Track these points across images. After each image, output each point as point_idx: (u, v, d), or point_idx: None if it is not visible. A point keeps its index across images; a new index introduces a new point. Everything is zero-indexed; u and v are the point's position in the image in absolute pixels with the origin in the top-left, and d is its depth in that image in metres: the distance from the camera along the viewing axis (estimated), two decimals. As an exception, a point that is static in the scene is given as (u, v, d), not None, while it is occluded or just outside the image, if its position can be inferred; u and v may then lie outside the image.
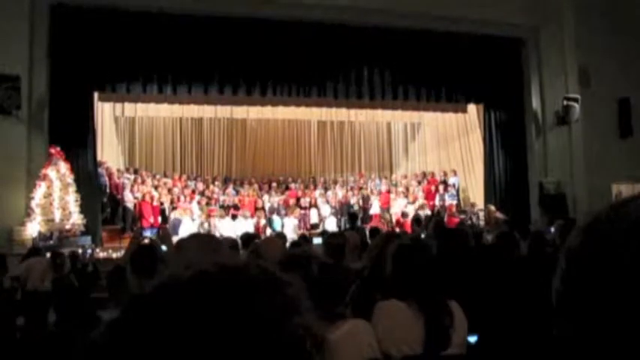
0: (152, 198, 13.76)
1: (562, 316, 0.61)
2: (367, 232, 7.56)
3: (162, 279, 0.58)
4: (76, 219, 10.02)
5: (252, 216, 13.94)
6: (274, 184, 16.37)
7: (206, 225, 13.06)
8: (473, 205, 14.40)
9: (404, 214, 12.74)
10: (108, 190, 13.16)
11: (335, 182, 17.41)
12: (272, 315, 0.54)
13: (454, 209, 14.35)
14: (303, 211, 15.02)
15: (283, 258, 2.28)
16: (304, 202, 15.34)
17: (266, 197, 15.30)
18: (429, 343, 2.20)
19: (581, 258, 0.61)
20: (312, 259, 2.18)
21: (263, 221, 13.85)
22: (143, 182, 14.43)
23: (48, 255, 7.56)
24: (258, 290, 0.56)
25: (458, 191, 15.38)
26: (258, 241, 3.80)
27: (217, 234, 12.07)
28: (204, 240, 2.42)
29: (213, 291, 0.54)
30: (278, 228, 12.91)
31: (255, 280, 0.57)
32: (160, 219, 13.68)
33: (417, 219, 10.10)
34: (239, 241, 5.74)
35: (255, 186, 16.19)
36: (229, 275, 0.57)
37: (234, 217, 13.71)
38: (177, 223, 12.93)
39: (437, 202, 15.09)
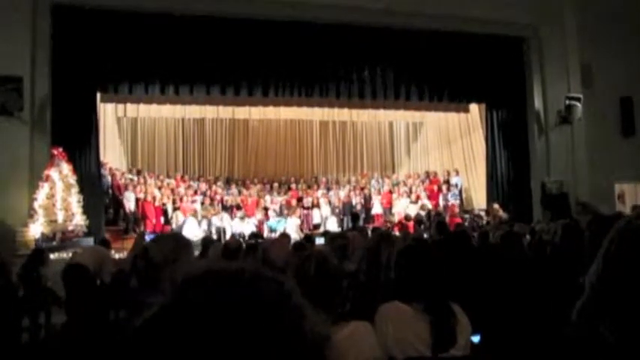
0: (154, 198, 13.78)
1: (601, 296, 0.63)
2: (369, 233, 7.55)
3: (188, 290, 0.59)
4: (79, 220, 10.03)
5: (253, 215, 14.00)
6: (276, 185, 16.38)
7: (205, 225, 13.12)
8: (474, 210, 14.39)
9: (407, 217, 12.70)
10: (110, 191, 13.18)
11: (337, 182, 17.42)
12: (288, 321, 0.57)
13: (457, 209, 14.34)
14: (305, 211, 15.03)
15: (297, 261, 2.27)
16: (307, 202, 15.36)
17: (268, 197, 15.32)
18: (437, 345, 2.20)
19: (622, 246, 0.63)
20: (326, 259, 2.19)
21: (265, 221, 13.91)
22: (145, 183, 14.44)
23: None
24: (273, 297, 0.59)
25: (460, 191, 15.36)
26: (264, 243, 3.80)
27: (215, 233, 12.15)
28: (169, 241, 2.40)
29: (232, 301, 0.57)
30: (280, 228, 12.93)
31: (268, 288, 0.60)
32: (162, 219, 13.71)
33: (419, 220, 10.10)
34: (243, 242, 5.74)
35: (258, 186, 16.21)
36: (247, 287, 0.59)
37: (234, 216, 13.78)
38: (179, 224, 12.98)
39: (440, 201, 15.09)
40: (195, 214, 13.40)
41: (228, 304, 0.56)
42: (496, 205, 12.73)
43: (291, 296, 0.61)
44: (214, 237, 11.16)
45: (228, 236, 11.65)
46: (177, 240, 2.41)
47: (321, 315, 0.62)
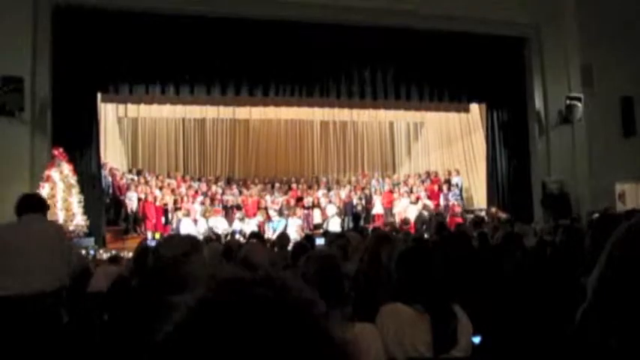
0: (155, 198, 13.79)
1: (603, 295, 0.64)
2: (370, 233, 7.54)
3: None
4: (80, 220, 10.02)
5: (254, 216, 14.00)
6: (277, 185, 16.39)
7: (205, 226, 13.11)
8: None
9: (406, 222, 12.68)
10: (111, 191, 13.19)
11: (338, 182, 17.43)
12: (319, 326, 0.59)
13: (458, 209, 14.33)
14: (306, 211, 15.03)
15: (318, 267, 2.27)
16: (307, 202, 15.36)
17: (268, 197, 15.32)
18: (438, 346, 2.20)
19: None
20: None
21: (267, 222, 13.90)
22: (146, 183, 14.46)
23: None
24: (303, 303, 0.61)
25: (461, 191, 15.37)
26: (245, 246, 3.81)
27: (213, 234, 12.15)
28: (180, 241, 2.40)
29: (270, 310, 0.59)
30: (281, 228, 12.94)
31: (299, 294, 0.62)
32: (163, 219, 13.72)
33: (423, 221, 10.08)
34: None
35: (259, 186, 16.22)
36: (279, 296, 0.61)
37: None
38: (180, 224, 12.98)
39: (441, 201, 15.09)
40: (188, 214, 13.40)
41: (261, 309, 0.57)
42: (494, 209, 12.76)
43: (317, 302, 0.63)
44: (214, 237, 11.16)
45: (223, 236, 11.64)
46: (188, 240, 2.42)
47: (337, 317, 0.65)
